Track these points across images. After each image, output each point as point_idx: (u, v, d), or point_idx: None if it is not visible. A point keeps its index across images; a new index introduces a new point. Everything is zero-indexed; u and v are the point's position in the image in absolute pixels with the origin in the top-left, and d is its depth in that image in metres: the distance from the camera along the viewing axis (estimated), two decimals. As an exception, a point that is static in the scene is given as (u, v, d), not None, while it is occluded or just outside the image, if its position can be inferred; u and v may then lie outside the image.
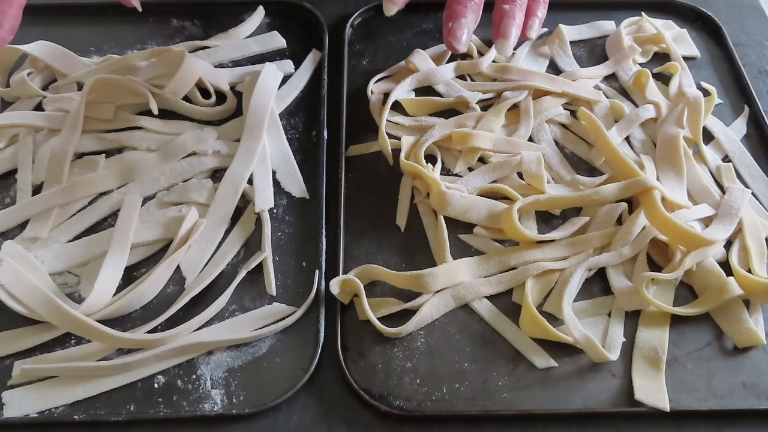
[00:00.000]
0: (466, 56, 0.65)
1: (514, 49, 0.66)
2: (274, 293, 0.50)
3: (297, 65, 0.64)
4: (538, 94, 0.61)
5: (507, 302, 0.50)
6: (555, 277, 0.50)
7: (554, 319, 0.48)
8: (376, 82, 0.63)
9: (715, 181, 0.56)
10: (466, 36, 0.52)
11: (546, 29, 0.68)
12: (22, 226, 0.53)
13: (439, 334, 0.48)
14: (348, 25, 0.67)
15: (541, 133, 0.59)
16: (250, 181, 0.55)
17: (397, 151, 0.57)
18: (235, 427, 0.44)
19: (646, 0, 0.71)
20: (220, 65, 0.64)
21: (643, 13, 0.68)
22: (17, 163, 0.56)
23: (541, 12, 0.59)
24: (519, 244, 0.52)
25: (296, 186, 0.56)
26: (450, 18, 0.54)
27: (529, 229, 0.52)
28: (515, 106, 0.60)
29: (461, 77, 0.64)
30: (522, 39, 0.59)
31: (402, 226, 0.54)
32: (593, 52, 0.67)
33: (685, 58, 0.66)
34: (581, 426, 0.45)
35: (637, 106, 0.61)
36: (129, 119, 0.59)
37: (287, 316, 0.48)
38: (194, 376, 0.46)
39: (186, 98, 0.60)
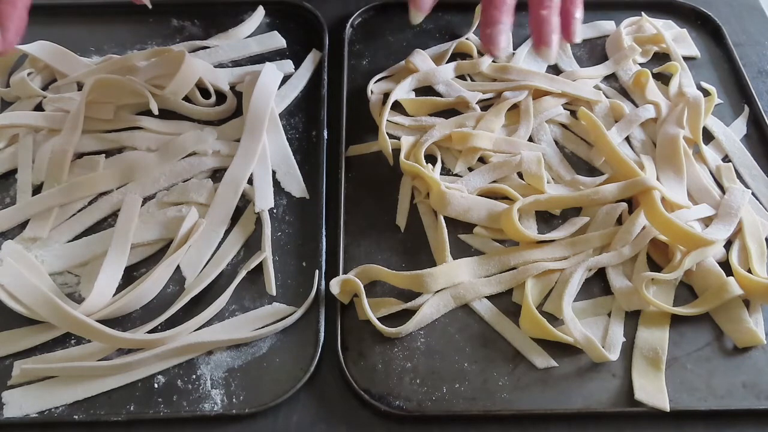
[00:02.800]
0: (466, 56, 0.65)
1: (514, 49, 0.66)
2: (274, 293, 0.50)
3: (297, 65, 0.64)
4: (538, 94, 0.61)
5: (507, 302, 0.50)
6: (555, 277, 0.50)
7: (554, 319, 0.48)
8: (376, 82, 0.63)
9: (715, 181, 0.56)
10: (504, 41, 0.52)
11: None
12: (22, 226, 0.53)
13: (439, 334, 0.48)
14: (348, 25, 0.67)
15: (541, 133, 0.59)
16: (250, 181, 0.55)
17: (397, 151, 0.57)
18: (235, 427, 0.44)
19: (646, 0, 0.71)
20: (220, 65, 0.64)
21: (643, 13, 0.68)
22: (17, 163, 0.56)
23: (579, 13, 0.54)
24: (519, 244, 0.52)
25: (296, 186, 0.56)
26: (487, 24, 0.53)
27: (529, 229, 0.52)
28: (515, 106, 0.60)
29: (461, 77, 0.64)
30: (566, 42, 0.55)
31: (402, 226, 0.54)
32: (593, 52, 0.67)
33: (685, 58, 0.66)
34: (581, 426, 0.45)
35: (637, 106, 0.61)
36: (129, 119, 0.59)
37: (287, 316, 0.48)
38: (194, 376, 0.46)
39: (186, 98, 0.60)
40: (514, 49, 0.66)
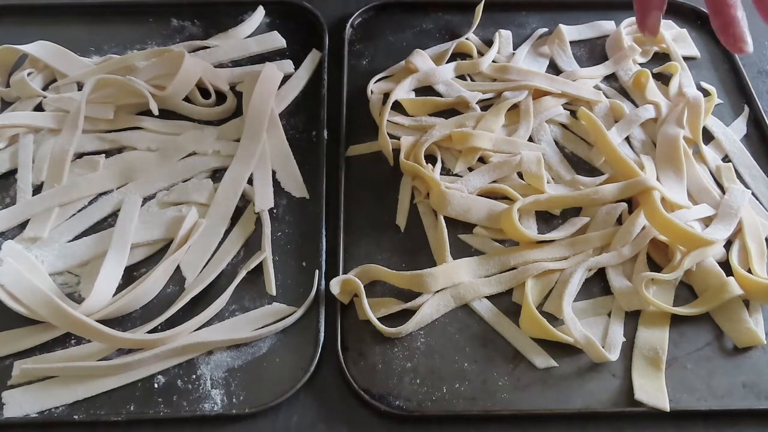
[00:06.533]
0: (466, 56, 0.65)
1: (514, 49, 0.66)
2: (274, 293, 0.50)
3: (297, 65, 0.64)
4: (538, 94, 0.61)
5: (507, 302, 0.50)
6: (555, 277, 0.50)
7: (554, 319, 0.48)
8: (376, 82, 0.63)
9: (715, 181, 0.56)
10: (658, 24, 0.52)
11: (546, 29, 0.68)
12: (22, 226, 0.53)
13: (439, 334, 0.48)
14: (348, 25, 0.67)
15: (541, 133, 0.59)
16: (250, 181, 0.55)
17: (397, 151, 0.57)
18: (235, 427, 0.44)
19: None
20: (220, 65, 0.64)
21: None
22: (17, 163, 0.56)
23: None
24: (519, 244, 0.52)
25: (296, 186, 0.56)
26: (641, 11, 0.52)
27: (529, 229, 0.52)
28: (515, 106, 0.60)
29: (461, 77, 0.64)
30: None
31: (402, 226, 0.54)
32: (593, 52, 0.67)
33: (685, 58, 0.66)
34: (581, 426, 0.45)
35: (637, 106, 0.61)
36: (129, 119, 0.59)
37: (287, 316, 0.48)
38: (194, 376, 0.46)
39: (186, 98, 0.60)
40: (514, 49, 0.66)
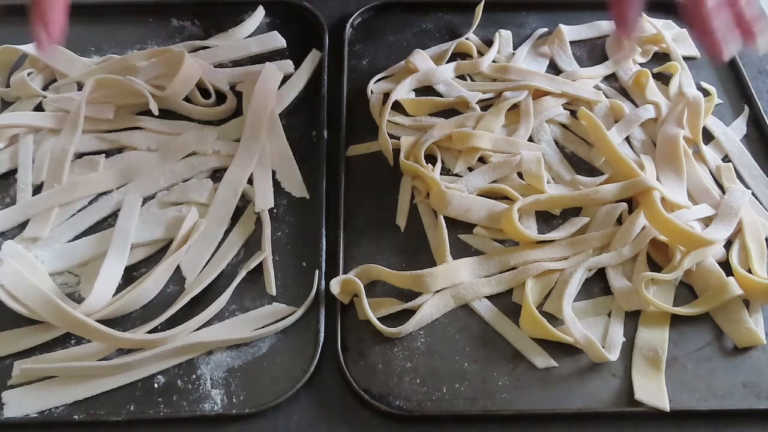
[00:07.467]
0: (466, 56, 0.65)
1: (514, 49, 0.66)
2: (274, 293, 0.50)
3: (297, 65, 0.64)
4: (538, 94, 0.61)
5: (507, 302, 0.50)
6: (555, 277, 0.50)
7: (554, 319, 0.48)
8: (376, 82, 0.63)
9: (715, 181, 0.56)
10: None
11: (546, 29, 0.68)
12: (22, 226, 0.53)
13: (439, 334, 0.48)
14: (348, 25, 0.67)
15: (541, 133, 0.59)
16: (250, 181, 0.55)
17: (397, 151, 0.57)
18: (235, 427, 0.44)
19: (646, 0, 0.71)
20: (220, 65, 0.64)
21: (643, 13, 0.68)
22: (17, 163, 0.56)
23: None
24: (519, 244, 0.52)
25: (296, 186, 0.56)
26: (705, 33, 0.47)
27: (529, 229, 0.52)
28: (515, 106, 0.60)
29: (461, 77, 0.64)
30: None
31: (402, 226, 0.54)
32: (593, 52, 0.67)
33: (685, 58, 0.65)
34: (581, 426, 0.45)
35: (637, 106, 0.61)
36: (129, 119, 0.59)
37: (287, 316, 0.48)
38: (194, 376, 0.46)
39: (186, 98, 0.60)
40: (514, 49, 0.66)
